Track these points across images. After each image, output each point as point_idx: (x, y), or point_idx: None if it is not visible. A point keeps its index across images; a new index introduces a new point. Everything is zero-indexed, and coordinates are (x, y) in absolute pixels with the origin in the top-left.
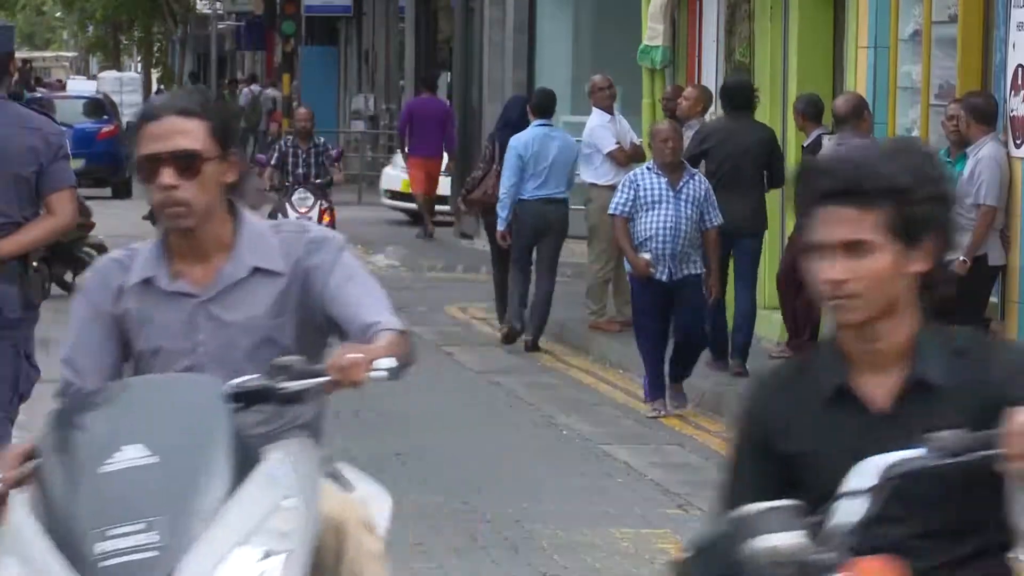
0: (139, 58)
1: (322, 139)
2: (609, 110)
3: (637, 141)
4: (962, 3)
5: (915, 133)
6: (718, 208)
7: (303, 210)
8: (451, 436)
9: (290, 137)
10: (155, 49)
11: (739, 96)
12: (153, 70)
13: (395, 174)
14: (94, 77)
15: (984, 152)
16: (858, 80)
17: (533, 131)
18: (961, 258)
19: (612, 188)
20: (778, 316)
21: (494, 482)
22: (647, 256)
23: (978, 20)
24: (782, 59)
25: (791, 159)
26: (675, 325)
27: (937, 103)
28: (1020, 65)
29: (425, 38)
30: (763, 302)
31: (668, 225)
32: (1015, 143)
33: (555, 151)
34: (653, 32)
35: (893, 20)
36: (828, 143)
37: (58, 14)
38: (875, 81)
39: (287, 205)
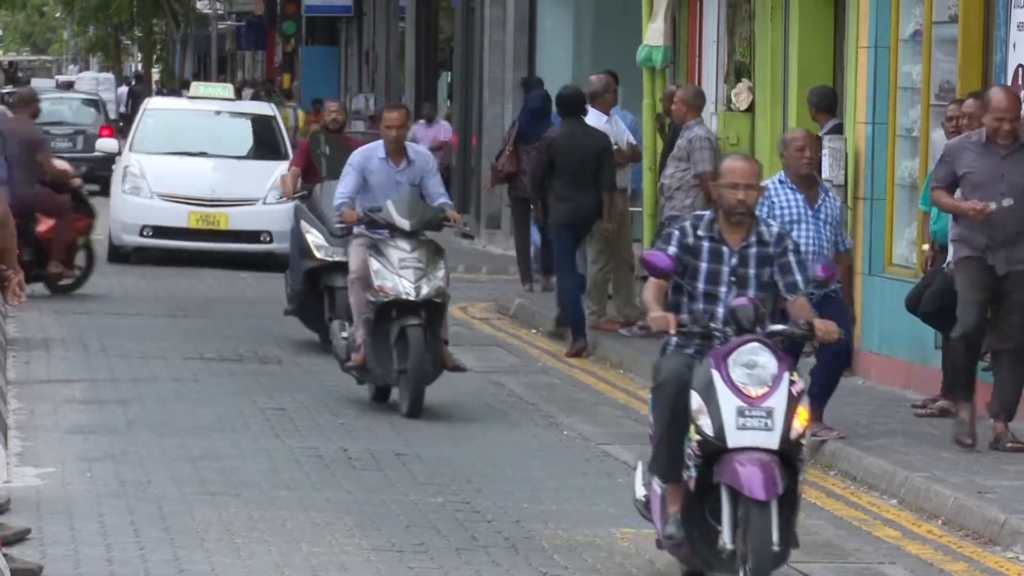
0: (139, 58)
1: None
2: (607, 111)
3: (634, 141)
4: (962, 3)
5: (915, 133)
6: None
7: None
8: (451, 436)
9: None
10: (156, 49)
11: (571, 104)
12: (153, 69)
13: None
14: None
15: None
16: (858, 80)
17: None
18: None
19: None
20: None
21: (494, 482)
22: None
23: (978, 20)
24: (782, 59)
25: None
26: (822, 349)
27: (937, 103)
28: (1020, 65)
29: (425, 38)
30: None
31: (810, 249)
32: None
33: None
34: (653, 32)
35: (893, 20)
36: (827, 140)
37: (58, 14)
38: (875, 81)
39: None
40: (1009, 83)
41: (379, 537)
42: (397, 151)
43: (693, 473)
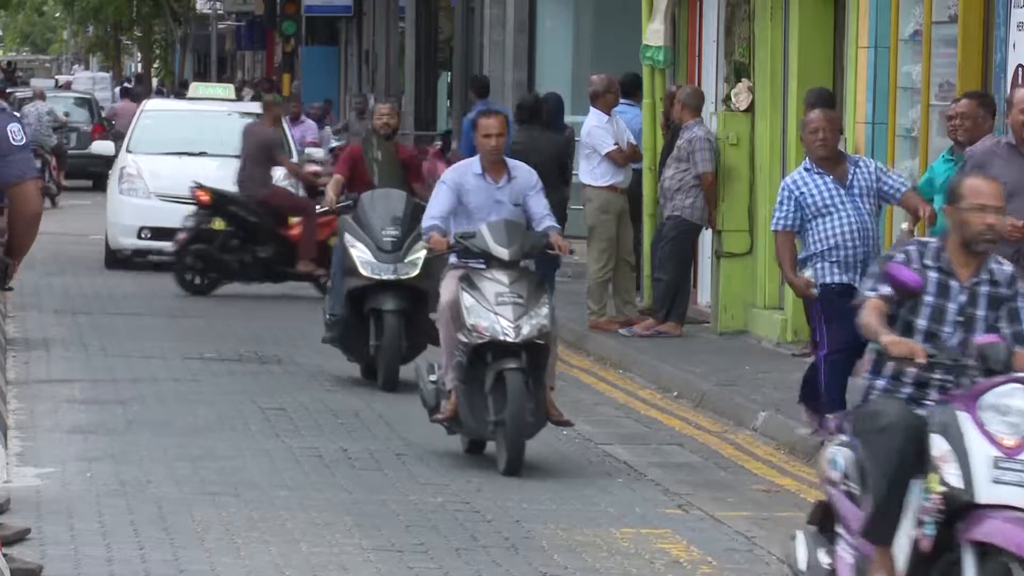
0: (139, 58)
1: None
2: (608, 111)
3: (634, 141)
4: (962, 3)
5: (915, 133)
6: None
7: None
8: (451, 436)
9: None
10: (155, 49)
11: (527, 111)
12: (153, 69)
13: None
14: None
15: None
16: (858, 80)
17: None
18: None
19: (610, 189)
20: (778, 315)
21: (494, 482)
22: (808, 275)
23: (978, 20)
24: (782, 59)
25: (793, 154)
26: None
27: (937, 103)
28: (1020, 65)
29: (425, 38)
30: (764, 302)
31: (852, 228)
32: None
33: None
34: (653, 32)
35: (893, 20)
36: None
37: (58, 14)
38: (875, 81)
39: None
40: (1009, 83)
41: (379, 537)
42: (496, 165)
43: (929, 532)
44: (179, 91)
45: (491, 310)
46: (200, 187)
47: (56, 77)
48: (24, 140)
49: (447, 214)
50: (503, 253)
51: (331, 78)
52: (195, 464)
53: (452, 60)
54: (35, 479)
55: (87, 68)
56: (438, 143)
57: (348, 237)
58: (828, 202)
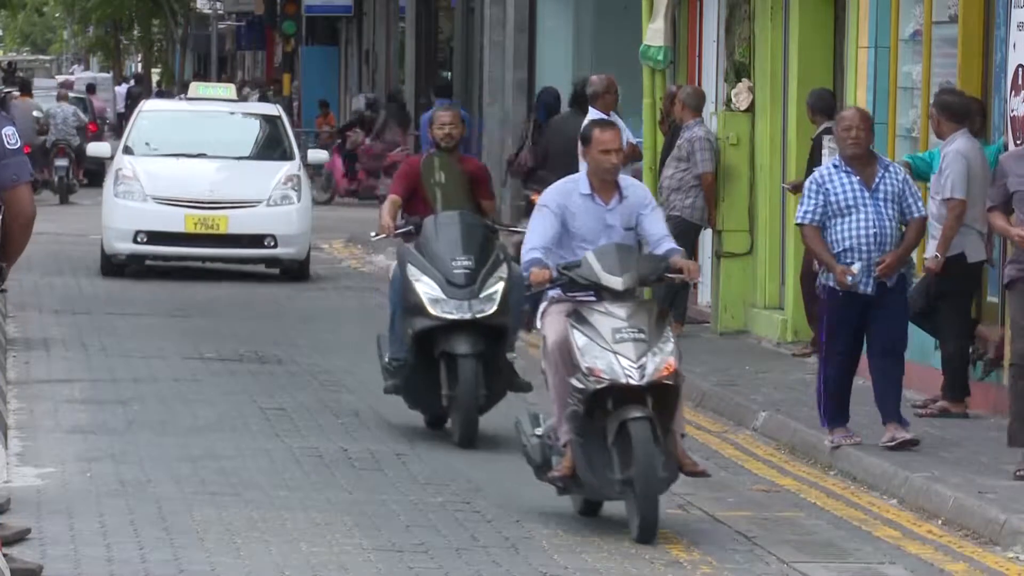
0: (139, 58)
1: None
2: (607, 111)
3: (634, 141)
4: (962, 3)
5: (915, 133)
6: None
7: None
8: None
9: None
10: (155, 49)
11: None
12: (153, 70)
13: None
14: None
15: (951, 147)
16: (858, 80)
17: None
18: (934, 254)
19: None
20: (778, 315)
21: (494, 482)
22: (856, 266)
23: (978, 20)
24: (782, 59)
25: (793, 154)
26: (874, 341)
27: None
28: (1020, 65)
29: (425, 38)
30: (764, 302)
31: (869, 232)
32: (1015, 143)
33: None
34: (653, 32)
35: (893, 20)
36: (827, 140)
37: (58, 14)
38: (875, 81)
39: None
40: (1009, 83)
41: (379, 537)
42: (607, 184)
43: None
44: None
45: (609, 349)
46: None
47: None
48: (18, 144)
49: (550, 243)
50: (615, 282)
51: (331, 78)
52: (195, 464)
53: (452, 60)
54: (35, 479)
55: (87, 68)
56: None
57: (411, 269)
58: (851, 203)
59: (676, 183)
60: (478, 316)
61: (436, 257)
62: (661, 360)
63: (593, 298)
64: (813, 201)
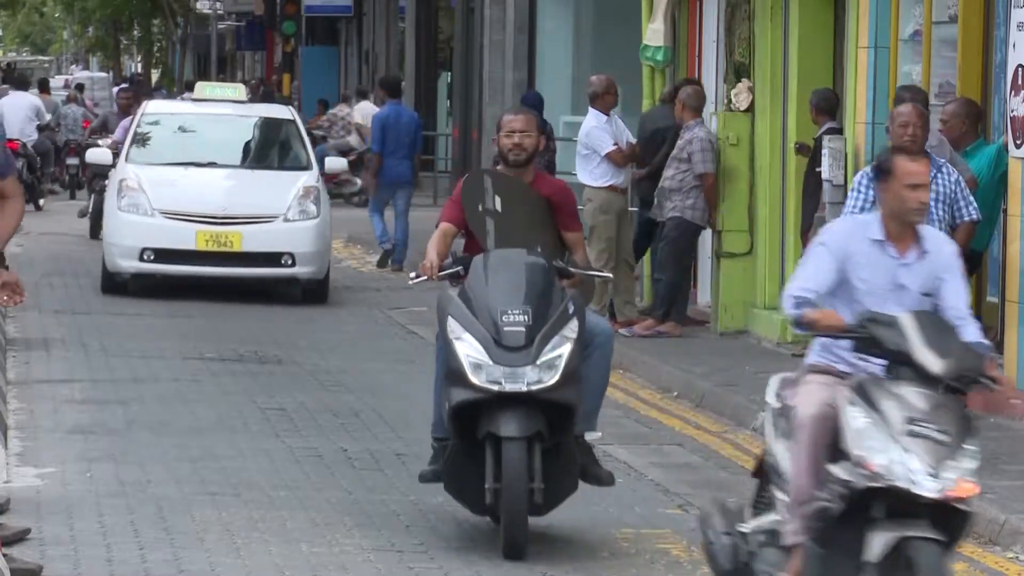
0: (139, 58)
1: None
2: (607, 111)
3: (634, 141)
4: (962, 3)
5: None
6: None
7: None
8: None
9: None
10: (155, 49)
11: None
12: (153, 70)
13: None
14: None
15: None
16: (858, 80)
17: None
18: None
19: (610, 189)
20: (778, 315)
21: None
22: None
23: (978, 20)
24: (782, 59)
25: (793, 154)
26: None
27: (937, 103)
28: (1020, 65)
29: (425, 38)
30: (764, 302)
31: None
32: (1015, 143)
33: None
34: (653, 32)
35: (893, 20)
36: (827, 140)
37: (57, 14)
38: (875, 81)
39: None
40: (1009, 83)
41: (379, 537)
42: (907, 232)
43: None
44: (185, 93)
45: (897, 442)
46: None
47: (56, 77)
48: (2, 139)
49: (826, 291)
50: (935, 364)
51: (331, 78)
52: (195, 464)
53: (452, 60)
54: (35, 479)
55: (87, 68)
56: None
57: (452, 324)
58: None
59: (677, 184)
60: (533, 388)
61: (483, 309)
62: (961, 475)
63: (886, 373)
64: (863, 195)
